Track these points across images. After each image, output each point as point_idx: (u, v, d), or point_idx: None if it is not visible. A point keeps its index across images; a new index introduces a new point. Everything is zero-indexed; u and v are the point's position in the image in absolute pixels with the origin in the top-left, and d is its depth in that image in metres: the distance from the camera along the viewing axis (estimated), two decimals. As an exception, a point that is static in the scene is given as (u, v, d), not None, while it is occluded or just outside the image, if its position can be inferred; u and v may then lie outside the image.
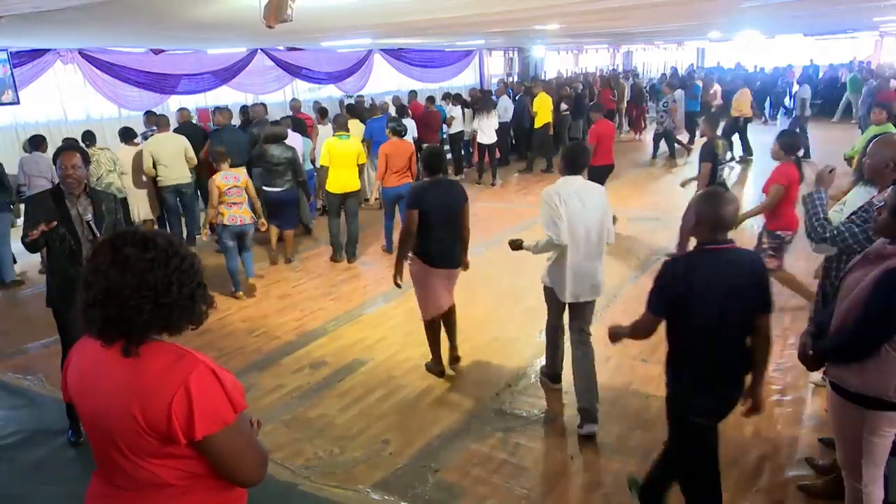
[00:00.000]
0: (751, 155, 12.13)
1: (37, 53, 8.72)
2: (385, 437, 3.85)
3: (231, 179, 5.87)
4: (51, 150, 7.08)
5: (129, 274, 1.45)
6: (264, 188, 6.87)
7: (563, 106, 12.91)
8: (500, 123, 11.44)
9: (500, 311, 5.67)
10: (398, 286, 4.38)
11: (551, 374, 4.30)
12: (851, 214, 3.03)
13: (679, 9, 8.25)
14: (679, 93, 12.70)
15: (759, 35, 18.84)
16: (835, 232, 2.96)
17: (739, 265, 2.52)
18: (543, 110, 11.75)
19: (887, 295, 2.24)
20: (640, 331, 2.71)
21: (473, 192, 9.64)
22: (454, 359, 4.63)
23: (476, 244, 7.26)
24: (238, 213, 5.89)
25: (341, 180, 6.97)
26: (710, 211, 2.49)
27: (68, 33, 7.08)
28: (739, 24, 13.28)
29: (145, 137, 8.10)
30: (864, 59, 21.89)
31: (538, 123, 11.86)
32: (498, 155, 11.61)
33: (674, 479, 2.86)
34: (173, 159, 7.37)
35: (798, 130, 12.15)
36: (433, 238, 4.16)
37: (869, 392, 2.35)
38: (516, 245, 3.91)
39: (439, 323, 4.47)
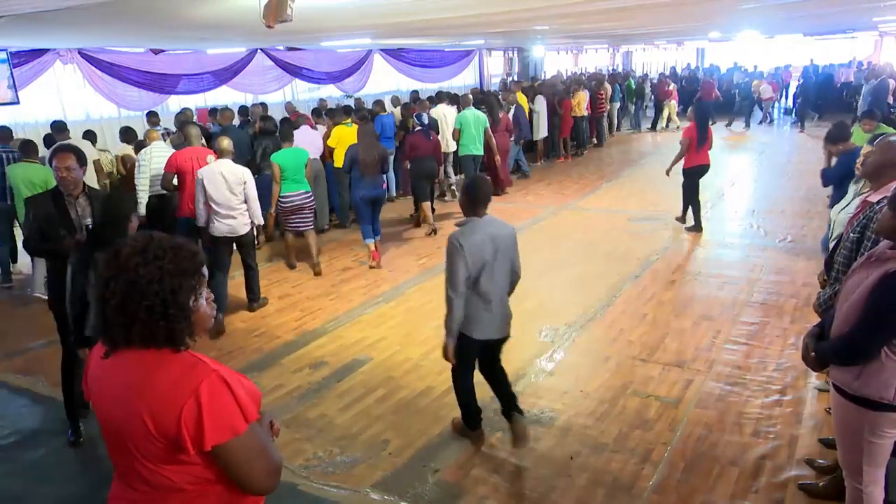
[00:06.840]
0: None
1: (36, 53, 8.70)
2: (385, 437, 3.85)
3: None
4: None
5: (132, 281, 1.46)
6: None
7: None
8: None
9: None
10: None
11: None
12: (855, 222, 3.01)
13: (679, 9, 8.26)
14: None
15: (758, 35, 18.83)
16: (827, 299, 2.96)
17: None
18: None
19: (886, 298, 2.24)
20: None
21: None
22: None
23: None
24: None
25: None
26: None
27: (68, 33, 7.07)
28: (739, 24, 13.28)
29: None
30: (863, 58, 21.88)
31: None
32: None
33: None
34: None
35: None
36: None
37: (869, 394, 2.35)
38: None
39: None
